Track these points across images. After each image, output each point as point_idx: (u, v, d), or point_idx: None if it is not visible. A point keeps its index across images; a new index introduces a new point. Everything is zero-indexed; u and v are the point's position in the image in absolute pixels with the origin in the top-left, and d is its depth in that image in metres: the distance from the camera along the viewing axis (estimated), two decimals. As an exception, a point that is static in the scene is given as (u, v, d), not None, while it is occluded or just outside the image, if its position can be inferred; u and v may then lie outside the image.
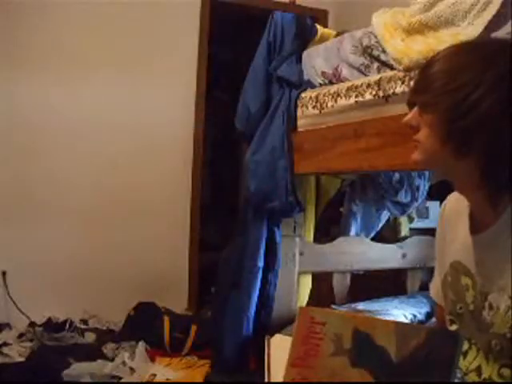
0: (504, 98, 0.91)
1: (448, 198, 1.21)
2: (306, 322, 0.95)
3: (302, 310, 0.98)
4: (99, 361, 2.76)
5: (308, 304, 2.68)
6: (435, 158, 1.00)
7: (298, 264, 2.58)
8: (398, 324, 0.94)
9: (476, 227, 1.05)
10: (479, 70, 0.93)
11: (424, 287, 3.01)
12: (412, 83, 1.06)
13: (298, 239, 2.60)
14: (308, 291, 2.72)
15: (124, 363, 2.76)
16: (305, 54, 2.56)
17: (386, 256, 2.87)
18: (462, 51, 1.00)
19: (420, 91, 1.01)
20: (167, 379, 2.66)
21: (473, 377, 1.06)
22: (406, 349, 0.90)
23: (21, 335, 3.08)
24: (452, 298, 1.10)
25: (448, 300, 1.12)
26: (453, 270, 1.10)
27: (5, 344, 2.96)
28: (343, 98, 2.17)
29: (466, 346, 1.06)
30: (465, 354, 1.06)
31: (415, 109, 1.03)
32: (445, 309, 1.15)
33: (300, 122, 2.45)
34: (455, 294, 1.09)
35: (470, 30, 1.71)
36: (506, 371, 0.99)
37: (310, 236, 2.77)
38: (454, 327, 1.09)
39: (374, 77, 2.05)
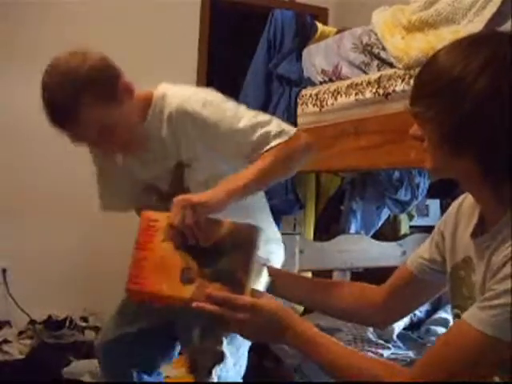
0: (489, 88, 0.91)
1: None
2: (145, 220, 1.32)
3: (142, 214, 1.34)
4: (99, 358, 2.77)
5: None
6: (440, 163, 1.00)
7: (298, 262, 2.58)
8: (207, 218, 1.26)
9: (482, 228, 1.04)
10: (460, 67, 0.93)
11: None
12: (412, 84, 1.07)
13: (298, 237, 2.60)
14: (308, 289, 2.72)
15: (124, 361, 2.76)
16: (305, 52, 2.56)
17: (386, 254, 2.87)
18: (443, 53, 0.99)
19: (412, 102, 1.03)
20: (166, 377, 2.67)
21: None
22: (214, 236, 1.21)
23: (21, 333, 3.08)
24: (465, 294, 1.09)
25: (458, 294, 1.11)
26: (465, 264, 1.09)
27: (5, 341, 2.96)
28: (343, 96, 2.17)
29: None
30: None
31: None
32: (451, 301, 1.14)
33: (300, 120, 2.45)
34: (468, 291, 1.08)
35: (470, 28, 1.71)
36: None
37: (310, 234, 2.77)
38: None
39: (374, 75, 2.06)
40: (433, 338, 2.41)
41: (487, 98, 0.91)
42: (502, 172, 0.94)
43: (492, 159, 0.94)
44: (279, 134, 1.49)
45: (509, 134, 0.91)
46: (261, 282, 1.18)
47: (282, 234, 2.50)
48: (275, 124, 1.51)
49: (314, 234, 2.80)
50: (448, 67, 0.96)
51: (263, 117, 1.53)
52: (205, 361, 1.56)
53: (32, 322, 3.17)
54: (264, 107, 2.59)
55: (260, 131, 1.49)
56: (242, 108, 1.55)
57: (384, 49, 2.03)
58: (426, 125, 1.00)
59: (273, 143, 1.48)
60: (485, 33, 1.04)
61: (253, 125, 1.49)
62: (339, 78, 2.28)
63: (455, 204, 1.18)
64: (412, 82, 1.15)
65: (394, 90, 1.91)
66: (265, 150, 1.47)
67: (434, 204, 3.11)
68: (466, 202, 1.14)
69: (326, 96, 2.27)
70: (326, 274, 2.84)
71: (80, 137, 1.50)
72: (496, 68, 0.91)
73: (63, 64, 1.46)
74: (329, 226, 3.14)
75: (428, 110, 0.98)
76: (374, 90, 2.00)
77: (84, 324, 3.28)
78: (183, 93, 1.56)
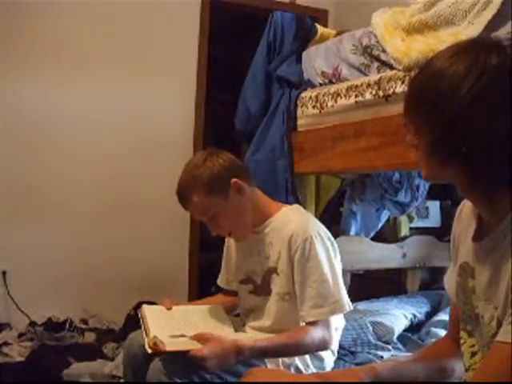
0: (466, 98, 0.90)
1: None
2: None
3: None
4: (99, 360, 2.76)
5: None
6: (432, 171, 1.01)
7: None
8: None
9: (482, 232, 1.03)
10: (440, 80, 0.94)
11: (424, 287, 3.00)
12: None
13: (298, 239, 2.59)
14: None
15: (124, 363, 2.76)
16: (305, 54, 2.56)
17: (386, 256, 2.86)
18: (428, 65, 0.99)
19: (403, 113, 1.03)
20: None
21: (471, 375, 1.06)
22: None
23: (21, 335, 3.07)
24: (462, 299, 1.09)
25: (460, 300, 1.11)
26: (462, 270, 1.09)
27: (5, 344, 2.95)
28: (343, 98, 2.17)
29: (476, 347, 1.06)
30: (475, 353, 1.06)
31: None
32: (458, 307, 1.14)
33: (300, 122, 2.45)
34: (464, 296, 1.08)
35: (470, 30, 1.71)
36: None
37: (310, 236, 2.76)
38: (468, 327, 1.09)
39: (373, 76, 2.05)
40: (433, 340, 2.40)
41: (465, 109, 0.91)
42: (491, 177, 0.94)
43: (477, 166, 0.94)
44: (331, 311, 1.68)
45: (492, 140, 0.91)
46: None
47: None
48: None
49: (314, 235, 2.79)
50: (429, 80, 0.97)
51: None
52: None
53: (32, 324, 3.17)
54: (264, 109, 2.59)
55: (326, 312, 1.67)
56: (340, 279, 1.74)
57: (384, 51, 2.03)
58: (415, 135, 1.01)
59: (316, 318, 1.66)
60: (470, 40, 1.03)
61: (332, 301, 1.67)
62: (339, 79, 2.28)
63: (457, 210, 1.18)
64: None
65: (393, 92, 1.91)
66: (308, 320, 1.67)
67: (434, 206, 3.10)
68: (465, 206, 1.15)
69: (325, 98, 2.27)
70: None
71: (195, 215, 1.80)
72: (475, 77, 0.90)
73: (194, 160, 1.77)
74: (329, 228, 3.12)
75: (415, 121, 0.99)
76: (373, 92, 2.00)
77: (84, 326, 3.28)
78: (309, 228, 1.75)
